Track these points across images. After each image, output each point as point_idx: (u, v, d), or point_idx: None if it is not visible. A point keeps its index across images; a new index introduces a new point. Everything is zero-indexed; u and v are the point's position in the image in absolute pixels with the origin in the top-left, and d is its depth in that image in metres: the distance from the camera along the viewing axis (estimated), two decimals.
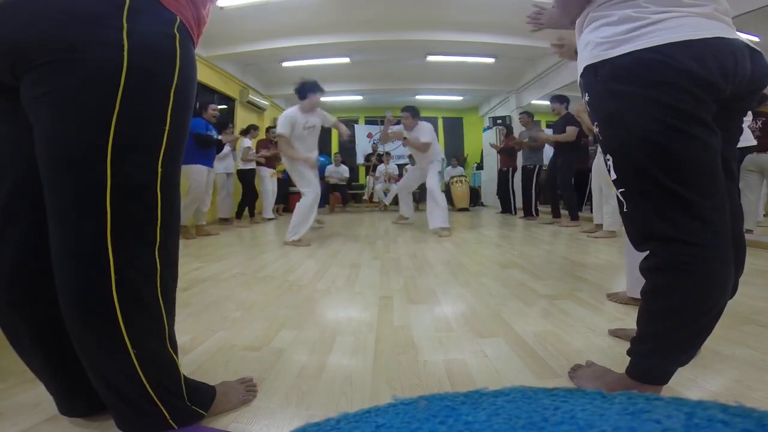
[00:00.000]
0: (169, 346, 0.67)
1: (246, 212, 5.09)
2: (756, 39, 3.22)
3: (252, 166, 4.89)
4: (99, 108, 0.57)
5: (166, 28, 0.62)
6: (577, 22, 0.79)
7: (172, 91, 0.63)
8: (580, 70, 0.76)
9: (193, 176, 3.47)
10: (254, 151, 4.88)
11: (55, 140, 0.57)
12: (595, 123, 0.74)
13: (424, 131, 3.60)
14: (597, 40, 0.70)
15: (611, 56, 0.68)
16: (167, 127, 0.63)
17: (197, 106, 3.42)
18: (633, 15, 0.66)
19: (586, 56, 0.73)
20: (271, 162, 5.13)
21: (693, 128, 0.63)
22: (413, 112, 3.63)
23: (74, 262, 0.58)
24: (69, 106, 0.56)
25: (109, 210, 0.58)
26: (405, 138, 3.66)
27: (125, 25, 0.57)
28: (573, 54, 1.09)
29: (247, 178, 4.93)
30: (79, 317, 0.59)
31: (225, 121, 4.45)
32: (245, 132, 4.99)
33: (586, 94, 0.75)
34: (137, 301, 0.62)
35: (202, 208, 3.80)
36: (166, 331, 0.67)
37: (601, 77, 0.70)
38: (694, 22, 0.64)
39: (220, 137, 3.79)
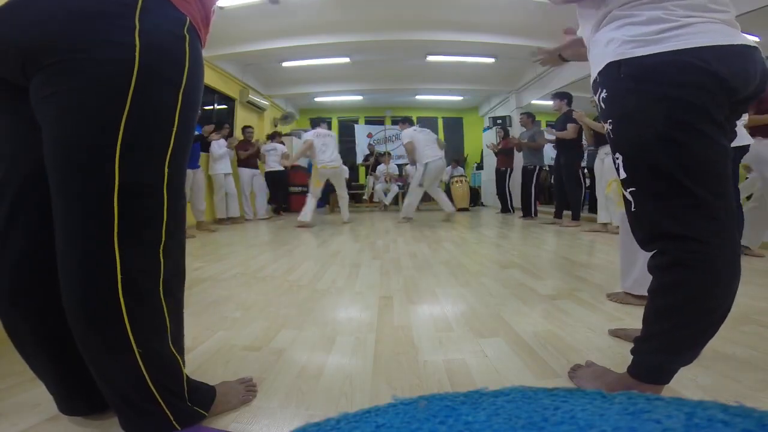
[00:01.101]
0: (172, 346, 0.67)
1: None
2: (756, 39, 3.22)
3: (281, 167, 5.47)
4: (109, 108, 0.57)
5: (176, 29, 0.62)
6: (590, 21, 0.78)
7: (181, 92, 0.63)
8: (600, 66, 0.75)
9: None
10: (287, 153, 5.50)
11: (63, 140, 0.57)
12: (609, 120, 0.74)
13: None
14: (623, 38, 0.70)
15: (639, 55, 0.68)
16: (175, 128, 0.63)
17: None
18: (663, 17, 0.67)
19: (611, 52, 0.72)
20: (249, 162, 5.20)
21: (710, 129, 0.65)
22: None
23: (80, 262, 0.59)
24: (78, 106, 0.56)
25: (116, 210, 0.58)
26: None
27: (137, 24, 0.57)
28: (557, 60, 1.08)
29: (281, 178, 5.69)
30: (83, 317, 0.59)
31: (221, 120, 4.47)
32: (271, 137, 5.57)
33: (604, 91, 0.74)
34: (141, 301, 0.62)
35: (199, 206, 3.97)
36: (169, 331, 0.66)
37: (625, 75, 0.70)
38: (720, 29, 0.66)
39: (198, 134, 3.94)
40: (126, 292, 0.59)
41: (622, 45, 0.70)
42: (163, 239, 0.64)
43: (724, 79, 0.63)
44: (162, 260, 0.64)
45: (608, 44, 0.73)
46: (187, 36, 0.63)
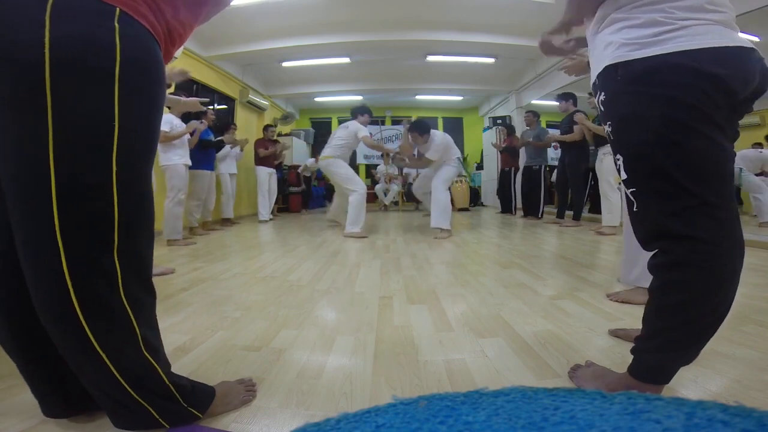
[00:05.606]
0: (143, 348, 0.65)
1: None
2: (756, 39, 3.21)
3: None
4: (30, 109, 0.55)
5: (99, 20, 0.58)
6: (592, 23, 0.79)
7: (116, 85, 0.59)
8: (599, 69, 0.76)
9: (198, 180, 3.75)
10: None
11: (1, 145, 0.56)
12: (609, 122, 0.75)
13: (435, 149, 3.46)
14: (621, 41, 0.71)
15: (637, 57, 0.69)
16: (116, 124, 0.59)
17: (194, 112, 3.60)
18: (660, 19, 0.68)
19: (608, 55, 0.73)
20: (268, 161, 5.16)
21: (710, 131, 0.66)
22: (420, 130, 3.45)
23: (31, 267, 0.58)
24: (6, 110, 0.55)
25: (56, 213, 0.56)
26: (419, 157, 3.71)
27: (47, 22, 0.54)
28: (585, 68, 1.08)
29: (309, 178, 6.96)
30: (46, 321, 0.59)
31: (226, 122, 4.48)
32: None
33: (602, 93, 0.75)
34: (100, 305, 0.60)
35: (209, 207, 4.02)
36: (138, 334, 0.64)
37: (622, 77, 0.71)
38: (716, 30, 0.66)
39: (218, 138, 4.03)
40: (79, 296, 0.58)
41: (619, 48, 0.71)
42: (117, 241, 0.61)
43: (720, 81, 0.64)
44: (117, 263, 0.61)
45: (606, 47, 0.74)
46: (117, 26, 0.59)
